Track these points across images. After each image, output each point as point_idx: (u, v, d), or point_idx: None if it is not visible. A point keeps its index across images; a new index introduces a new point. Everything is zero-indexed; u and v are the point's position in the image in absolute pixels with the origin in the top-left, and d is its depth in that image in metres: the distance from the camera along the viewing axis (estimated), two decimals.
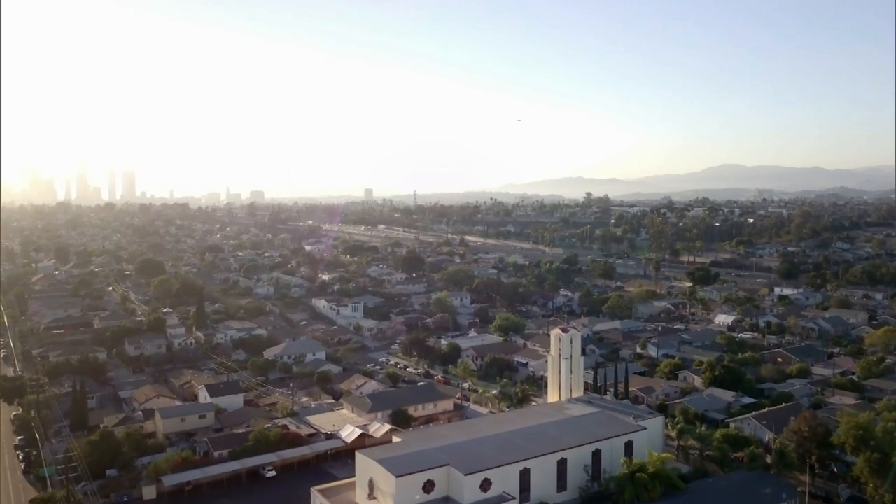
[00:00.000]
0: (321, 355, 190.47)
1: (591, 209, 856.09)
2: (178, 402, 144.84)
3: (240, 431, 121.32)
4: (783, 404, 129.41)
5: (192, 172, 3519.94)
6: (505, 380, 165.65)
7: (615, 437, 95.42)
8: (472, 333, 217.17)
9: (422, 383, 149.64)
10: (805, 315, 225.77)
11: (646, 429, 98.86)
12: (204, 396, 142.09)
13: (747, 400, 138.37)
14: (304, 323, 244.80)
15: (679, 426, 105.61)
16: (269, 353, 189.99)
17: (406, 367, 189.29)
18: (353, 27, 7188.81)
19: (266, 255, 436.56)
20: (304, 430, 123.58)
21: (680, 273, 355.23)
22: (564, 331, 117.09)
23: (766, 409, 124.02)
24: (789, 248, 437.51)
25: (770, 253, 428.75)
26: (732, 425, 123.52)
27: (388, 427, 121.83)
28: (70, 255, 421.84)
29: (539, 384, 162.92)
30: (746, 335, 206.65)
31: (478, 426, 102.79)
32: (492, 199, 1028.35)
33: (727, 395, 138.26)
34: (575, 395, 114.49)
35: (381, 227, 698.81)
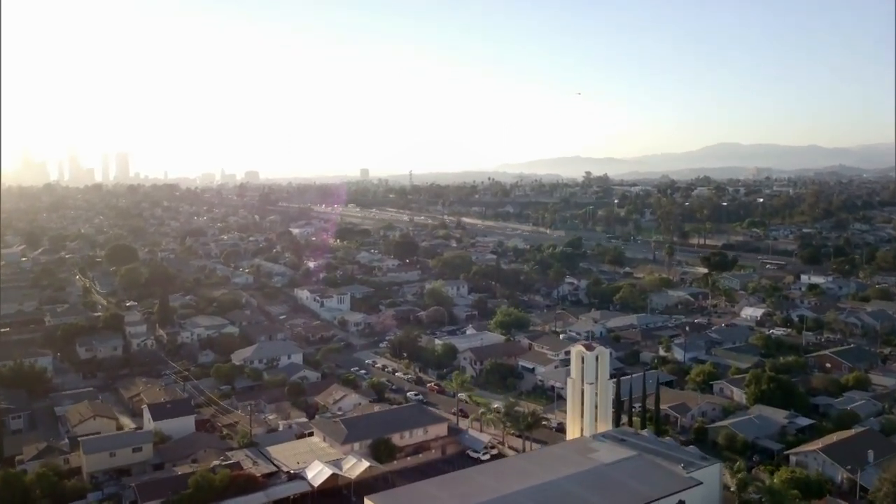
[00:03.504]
0: (297, 358, 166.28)
1: (591, 189, 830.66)
2: (116, 426, 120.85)
3: (180, 472, 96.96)
4: (853, 429, 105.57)
5: (187, 153, 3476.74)
6: (509, 392, 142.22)
7: (662, 497, 71.35)
8: (470, 329, 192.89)
9: (409, 404, 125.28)
10: (842, 307, 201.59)
11: (701, 483, 74.82)
12: (147, 419, 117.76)
13: (803, 421, 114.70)
14: (283, 317, 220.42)
15: (740, 474, 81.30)
16: (238, 357, 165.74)
17: (395, 371, 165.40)
18: (348, 7, 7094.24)
19: (251, 238, 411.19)
20: (262, 467, 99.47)
21: (692, 257, 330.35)
22: (589, 348, 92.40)
23: (835, 439, 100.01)
24: (805, 230, 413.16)
25: (785, 235, 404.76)
26: (793, 458, 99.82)
27: (365, 464, 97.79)
28: (42, 239, 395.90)
29: (548, 396, 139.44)
30: (779, 331, 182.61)
31: (475, 481, 78.62)
32: (489, 178, 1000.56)
33: (778, 416, 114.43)
34: (601, 428, 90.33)
35: (374, 210, 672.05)
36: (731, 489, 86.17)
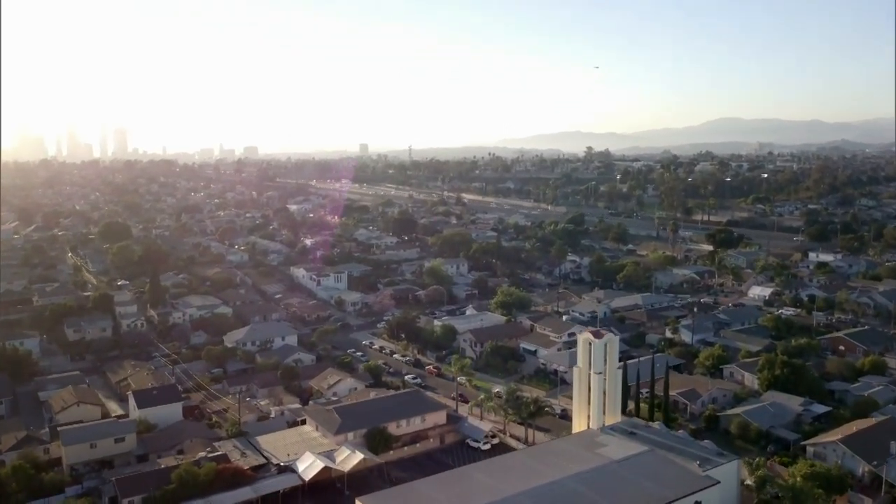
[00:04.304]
0: (292, 340, 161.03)
1: (592, 164, 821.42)
2: (102, 413, 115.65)
3: (164, 465, 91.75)
4: (871, 418, 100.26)
5: (186, 129, 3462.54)
6: (510, 375, 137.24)
7: (677, 499, 65.97)
8: (470, 310, 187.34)
9: (406, 390, 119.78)
10: (853, 286, 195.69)
11: (718, 482, 69.44)
12: (132, 407, 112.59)
13: (819, 408, 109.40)
14: (279, 296, 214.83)
15: (759, 472, 75.75)
16: (231, 339, 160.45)
17: (393, 353, 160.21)
18: None
19: (248, 215, 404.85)
20: (251, 459, 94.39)
21: (696, 234, 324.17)
22: (597, 335, 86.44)
23: (855, 429, 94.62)
24: (811, 206, 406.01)
25: (790, 211, 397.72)
26: (810, 450, 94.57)
27: (359, 456, 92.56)
28: (36, 216, 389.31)
29: (551, 380, 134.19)
30: (788, 312, 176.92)
31: (474, 480, 73.20)
32: (490, 153, 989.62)
33: (793, 403, 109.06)
34: (610, 420, 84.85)
35: (366, 185, 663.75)
36: (747, 482, 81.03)
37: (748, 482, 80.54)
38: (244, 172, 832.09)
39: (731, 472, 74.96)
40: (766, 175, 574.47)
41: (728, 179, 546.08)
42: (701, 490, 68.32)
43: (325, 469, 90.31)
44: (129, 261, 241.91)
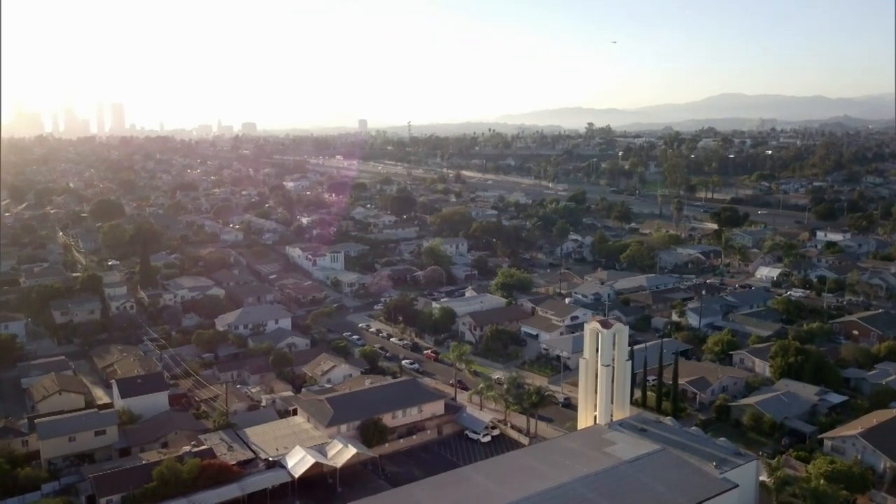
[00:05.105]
0: (285, 323, 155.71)
1: (594, 140, 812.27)
2: (85, 402, 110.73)
3: (147, 460, 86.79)
4: (891, 408, 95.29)
5: (184, 104, 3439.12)
6: (511, 361, 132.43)
7: None
8: (470, 291, 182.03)
9: (402, 379, 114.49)
10: (863, 267, 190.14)
11: (737, 485, 64.37)
12: (117, 395, 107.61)
13: (834, 398, 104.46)
14: (273, 277, 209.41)
15: (777, 473, 70.65)
16: (222, 322, 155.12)
17: (390, 336, 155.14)
18: None
19: (244, 192, 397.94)
20: (238, 453, 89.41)
21: (700, 212, 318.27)
22: (605, 325, 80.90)
23: (875, 421, 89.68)
24: (816, 183, 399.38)
25: (796, 189, 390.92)
26: (828, 443, 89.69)
27: (352, 451, 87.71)
28: (28, 194, 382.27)
29: (553, 366, 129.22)
30: (797, 293, 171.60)
31: (473, 483, 67.94)
32: (490, 130, 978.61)
33: (808, 392, 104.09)
34: (618, 415, 79.67)
35: (372, 163, 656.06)
36: (763, 479, 75.91)
37: (764, 479, 75.52)
38: (242, 149, 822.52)
39: (750, 474, 69.89)
40: (769, 152, 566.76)
41: (731, 156, 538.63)
42: (718, 495, 63.38)
43: (316, 464, 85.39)
44: (120, 240, 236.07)
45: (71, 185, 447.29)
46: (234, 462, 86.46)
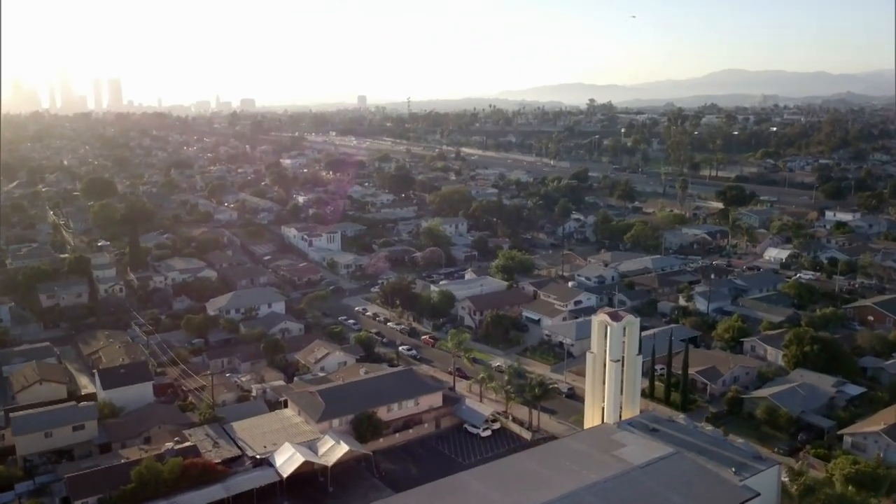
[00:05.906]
0: (279, 307, 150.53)
1: (595, 117, 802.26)
2: (67, 392, 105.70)
3: (126, 458, 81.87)
4: None
5: (183, 81, 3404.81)
6: (512, 347, 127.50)
7: None
8: (469, 274, 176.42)
9: (398, 369, 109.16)
10: (875, 248, 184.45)
11: (758, 494, 59.34)
12: (98, 387, 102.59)
13: (853, 389, 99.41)
14: (268, 258, 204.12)
15: (801, 478, 65.73)
16: (213, 306, 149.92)
17: (387, 320, 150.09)
18: None
19: (240, 170, 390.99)
20: (224, 450, 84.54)
21: (705, 191, 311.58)
22: (615, 318, 75.38)
23: None
24: (822, 161, 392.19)
25: (802, 166, 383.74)
26: (848, 440, 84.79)
27: (344, 448, 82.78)
28: (20, 171, 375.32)
29: (556, 353, 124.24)
30: (807, 276, 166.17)
31: (470, 491, 62.73)
32: (490, 106, 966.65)
33: (825, 383, 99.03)
34: (627, 414, 74.56)
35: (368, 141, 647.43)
36: (784, 479, 70.98)
37: (784, 479, 70.62)
38: (239, 126, 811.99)
39: (772, 480, 64.87)
40: (774, 129, 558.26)
41: (735, 133, 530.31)
42: None
43: (306, 462, 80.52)
44: (111, 220, 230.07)
45: (65, 162, 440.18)
46: (218, 460, 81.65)
